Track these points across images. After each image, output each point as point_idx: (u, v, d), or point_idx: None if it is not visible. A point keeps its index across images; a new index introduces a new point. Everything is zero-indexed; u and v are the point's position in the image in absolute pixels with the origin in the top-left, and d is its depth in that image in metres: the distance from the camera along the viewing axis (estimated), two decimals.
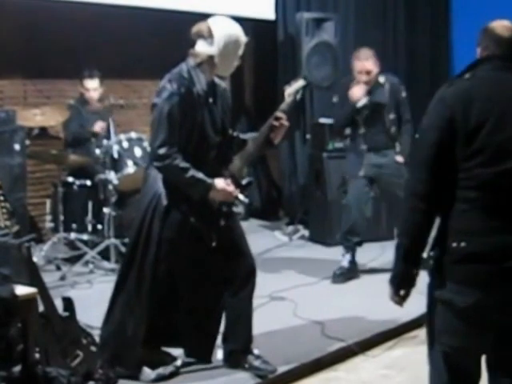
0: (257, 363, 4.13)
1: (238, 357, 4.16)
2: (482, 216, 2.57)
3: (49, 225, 6.62)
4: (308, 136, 7.75)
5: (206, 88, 3.88)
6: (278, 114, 4.04)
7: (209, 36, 3.82)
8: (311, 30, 7.70)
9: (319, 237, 7.31)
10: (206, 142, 3.89)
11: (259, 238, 7.47)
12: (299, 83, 4.17)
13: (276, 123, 4.04)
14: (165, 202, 3.88)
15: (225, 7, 7.28)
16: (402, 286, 2.75)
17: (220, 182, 3.88)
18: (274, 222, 8.39)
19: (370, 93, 5.94)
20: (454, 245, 2.60)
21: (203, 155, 3.89)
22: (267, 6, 8.20)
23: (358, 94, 5.91)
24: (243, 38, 3.91)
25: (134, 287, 3.97)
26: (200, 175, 3.79)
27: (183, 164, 3.76)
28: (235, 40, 3.87)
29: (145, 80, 7.83)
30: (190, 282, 4.02)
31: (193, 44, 3.89)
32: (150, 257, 3.91)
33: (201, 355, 4.20)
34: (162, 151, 3.73)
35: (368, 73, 5.91)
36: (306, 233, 7.60)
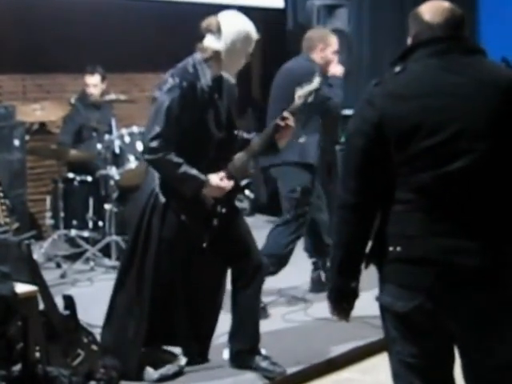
0: (265, 364, 4.15)
1: (244, 357, 4.18)
2: (419, 220, 2.45)
3: (49, 221, 6.67)
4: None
5: (212, 83, 3.88)
6: (285, 114, 4.01)
7: (217, 31, 3.83)
8: (323, 18, 7.60)
9: (331, 232, 7.28)
10: (207, 139, 3.90)
11: (265, 235, 7.46)
12: (312, 85, 4.09)
13: (282, 123, 4.00)
14: (163, 200, 3.89)
15: None
16: (340, 300, 2.67)
17: (214, 178, 3.87)
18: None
19: None
20: (391, 249, 2.50)
21: (203, 152, 3.90)
22: None
23: (337, 69, 5.72)
24: (254, 36, 3.91)
25: (135, 287, 4.00)
26: (193, 171, 3.79)
27: (176, 159, 3.76)
28: (244, 37, 3.87)
29: (146, 73, 7.86)
30: (187, 280, 4.04)
31: (201, 38, 3.90)
32: (151, 257, 3.94)
33: (196, 354, 4.22)
34: (154, 144, 3.74)
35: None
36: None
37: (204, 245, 3.93)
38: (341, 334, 4.71)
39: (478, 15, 8.73)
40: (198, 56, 3.89)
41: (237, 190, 4.02)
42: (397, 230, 2.51)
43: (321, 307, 5.15)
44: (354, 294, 2.67)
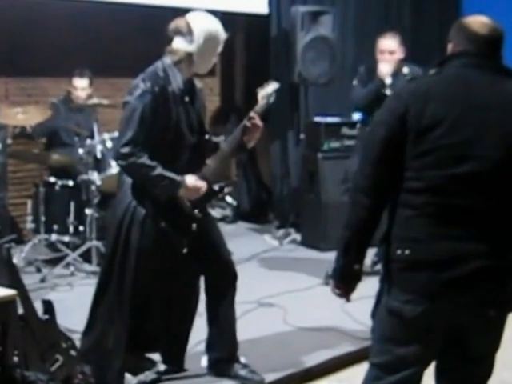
0: (243, 372, 4.20)
1: (223, 365, 4.22)
2: (427, 223, 2.60)
3: (30, 226, 6.68)
4: (302, 136, 7.75)
5: (183, 86, 3.89)
6: (251, 114, 4.07)
7: (188, 32, 3.84)
8: (307, 25, 7.65)
9: (311, 241, 7.35)
10: (181, 143, 3.91)
11: (248, 242, 7.55)
12: (272, 86, 4.19)
13: (249, 124, 4.06)
14: (142, 211, 3.89)
15: (213, 2, 7.33)
16: (343, 280, 2.81)
17: (190, 179, 3.89)
18: (264, 225, 8.38)
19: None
20: (399, 252, 2.64)
21: (177, 156, 3.91)
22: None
23: (385, 69, 5.93)
24: (223, 35, 3.94)
25: (115, 298, 4.00)
26: (168, 173, 3.80)
27: (149, 162, 3.76)
28: (215, 36, 3.89)
29: (130, 78, 7.86)
30: (164, 287, 4.07)
31: (169, 41, 3.92)
32: (130, 267, 3.93)
33: (173, 362, 4.25)
34: (126, 150, 3.73)
35: (391, 53, 6.00)
36: (298, 237, 7.64)
37: (184, 250, 3.95)
38: (319, 344, 4.77)
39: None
40: (167, 59, 3.90)
41: (211, 193, 4.05)
42: (405, 234, 2.65)
43: (299, 316, 5.25)
44: (356, 276, 2.79)
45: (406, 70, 5.97)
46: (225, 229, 8.01)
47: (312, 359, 4.56)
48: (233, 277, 4.17)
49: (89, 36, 7.46)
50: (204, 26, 3.88)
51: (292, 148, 8.24)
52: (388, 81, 5.90)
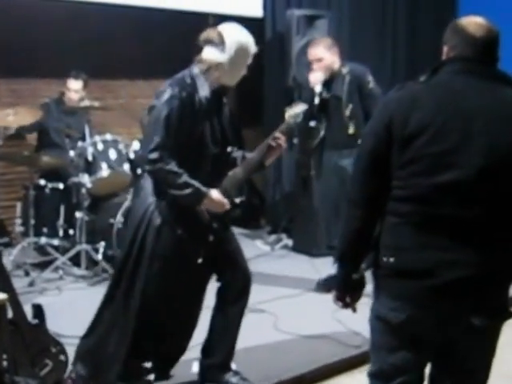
0: (235, 380, 4.19)
1: (215, 372, 4.22)
2: (413, 231, 2.60)
3: (18, 229, 6.68)
4: (295, 140, 7.72)
5: (210, 96, 3.90)
6: (277, 134, 4.10)
7: (220, 43, 3.86)
8: (302, 28, 7.69)
9: (303, 247, 7.35)
10: (203, 153, 3.91)
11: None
12: (301, 107, 4.20)
13: (273, 143, 4.09)
14: (159, 219, 3.89)
15: (207, 5, 7.37)
16: (342, 290, 2.84)
17: (215, 193, 3.90)
18: (255, 230, 8.38)
19: (328, 84, 6.00)
20: (385, 259, 2.66)
21: (199, 166, 3.90)
22: (254, 2, 8.21)
23: (313, 78, 6.02)
24: (254, 47, 3.97)
25: (122, 304, 4.00)
26: (194, 182, 3.80)
27: (176, 169, 3.76)
28: (246, 48, 3.92)
29: (122, 80, 7.89)
30: (173, 296, 4.05)
31: (199, 50, 3.93)
32: (141, 273, 3.94)
33: (164, 370, 4.25)
34: (154, 155, 3.72)
35: (319, 60, 6.00)
36: (290, 242, 7.65)
37: (199, 260, 3.96)
38: (310, 350, 4.79)
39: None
40: (195, 68, 3.91)
41: (232, 207, 4.03)
42: (391, 241, 2.66)
43: (290, 322, 5.26)
44: (357, 286, 2.82)
45: (345, 70, 6.01)
46: None
47: (304, 366, 4.57)
48: (248, 284, 4.18)
49: (80, 38, 7.46)
50: (236, 37, 3.91)
51: (285, 153, 8.21)
52: (317, 89, 5.98)
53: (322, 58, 6.00)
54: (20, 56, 7.22)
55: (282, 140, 4.11)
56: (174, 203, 3.87)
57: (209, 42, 3.90)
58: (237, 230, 8.19)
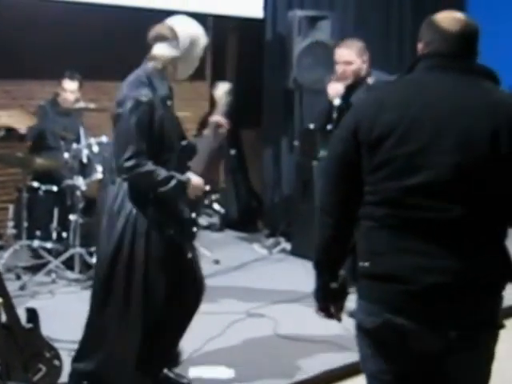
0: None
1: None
2: (388, 235, 2.50)
3: (11, 231, 6.61)
4: (296, 143, 7.70)
5: (168, 92, 3.90)
6: (217, 118, 4.25)
7: (173, 38, 3.83)
8: (304, 29, 7.64)
9: (302, 251, 7.24)
10: (172, 149, 3.91)
11: (236, 251, 7.53)
12: (225, 85, 4.35)
13: (219, 130, 4.25)
14: (145, 223, 3.85)
15: (206, 5, 7.35)
16: (322, 300, 2.78)
17: (193, 176, 3.94)
18: (253, 233, 8.32)
19: (349, 91, 5.66)
20: (361, 264, 2.57)
21: (169, 162, 3.89)
22: (255, 3, 8.12)
23: (333, 90, 5.68)
24: (205, 39, 3.96)
25: (120, 313, 3.93)
26: (172, 173, 3.81)
27: (153, 167, 3.75)
28: (199, 40, 3.90)
29: (116, 81, 7.83)
30: (174, 297, 4.00)
31: (149, 48, 3.91)
32: (138, 280, 3.88)
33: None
34: (129, 163, 3.70)
35: (347, 63, 5.64)
36: (288, 246, 7.60)
37: (189, 255, 3.98)
38: (311, 356, 4.75)
39: None
40: (148, 67, 3.88)
41: (204, 195, 4.10)
42: (366, 246, 2.58)
43: (290, 327, 5.22)
44: (337, 294, 2.75)
45: (371, 80, 5.64)
46: (212, 237, 8.07)
47: (304, 372, 4.54)
48: (201, 292, 4.16)
49: (75, 39, 7.42)
50: (189, 30, 3.88)
51: (285, 155, 8.22)
52: (336, 102, 5.67)
53: (352, 62, 5.63)
54: (14, 57, 7.17)
55: (224, 123, 4.25)
56: (157, 204, 3.85)
57: (160, 38, 3.87)
58: (234, 233, 8.34)
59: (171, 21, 3.92)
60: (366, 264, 2.55)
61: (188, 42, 3.85)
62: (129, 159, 3.71)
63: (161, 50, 3.86)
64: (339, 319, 2.83)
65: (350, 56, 5.64)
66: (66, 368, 4.00)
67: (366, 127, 2.50)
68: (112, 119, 3.85)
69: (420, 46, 2.67)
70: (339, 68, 5.71)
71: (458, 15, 2.62)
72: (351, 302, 2.75)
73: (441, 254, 2.44)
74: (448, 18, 2.60)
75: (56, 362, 3.85)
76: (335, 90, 5.67)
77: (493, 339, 2.58)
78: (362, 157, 2.53)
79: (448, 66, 2.54)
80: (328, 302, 2.78)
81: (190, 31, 3.88)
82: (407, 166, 2.45)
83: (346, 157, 2.58)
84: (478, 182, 2.43)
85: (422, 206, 2.44)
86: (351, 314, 2.72)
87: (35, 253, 6.55)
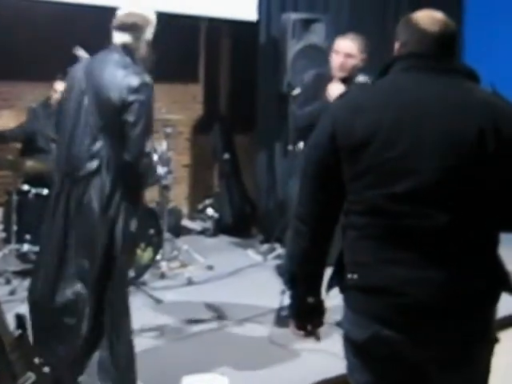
0: None
1: None
2: (373, 246, 2.40)
3: (0, 235, 6.57)
4: (290, 147, 7.69)
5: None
6: None
7: (135, 25, 4.04)
8: (298, 32, 7.65)
9: None
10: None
11: (230, 257, 7.48)
12: None
13: None
14: (123, 220, 3.89)
15: (201, 8, 7.33)
16: (297, 316, 2.67)
17: None
18: (247, 239, 8.27)
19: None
20: (349, 276, 2.47)
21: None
22: (248, 6, 8.09)
23: (333, 91, 5.33)
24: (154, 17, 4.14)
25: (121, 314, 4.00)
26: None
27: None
28: (153, 22, 4.11)
29: None
30: None
31: (110, 38, 4.19)
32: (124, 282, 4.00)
33: None
34: (148, 149, 3.89)
35: (348, 56, 5.45)
36: (283, 252, 7.51)
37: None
38: (308, 365, 4.72)
39: (464, 35, 8.82)
40: (122, 56, 4.08)
41: None
42: (353, 257, 2.49)
43: (285, 335, 5.16)
44: (313, 310, 2.64)
45: (361, 78, 5.47)
46: (205, 242, 8.02)
47: (300, 381, 4.51)
48: None
49: (66, 41, 7.35)
50: (147, 15, 4.09)
51: (279, 160, 8.18)
52: None
53: (353, 55, 5.45)
54: (5, 58, 7.13)
55: None
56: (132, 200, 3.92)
57: (125, 26, 4.08)
58: (227, 239, 8.29)
59: (130, 9, 4.13)
60: (355, 276, 2.46)
61: (148, 26, 4.06)
62: (145, 144, 3.84)
63: (129, 38, 4.08)
64: (318, 338, 2.72)
65: (353, 49, 5.47)
66: None
67: (343, 133, 2.41)
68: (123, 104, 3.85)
69: (396, 45, 2.58)
70: (338, 59, 5.48)
71: (438, 15, 2.56)
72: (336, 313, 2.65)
73: (427, 264, 2.35)
74: (427, 18, 2.53)
75: (45, 370, 3.80)
76: (336, 90, 5.34)
77: (487, 351, 2.51)
78: (341, 162, 2.43)
79: (425, 67, 2.45)
80: (303, 319, 2.67)
81: (148, 16, 4.09)
82: (390, 172, 2.35)
83: (324, 163, 2.48)
84: (466, 185, 2.34)
85: (409, 213, 2.34)
86: (338, 324, 2.64)
87: (25, 257, 6.49)
